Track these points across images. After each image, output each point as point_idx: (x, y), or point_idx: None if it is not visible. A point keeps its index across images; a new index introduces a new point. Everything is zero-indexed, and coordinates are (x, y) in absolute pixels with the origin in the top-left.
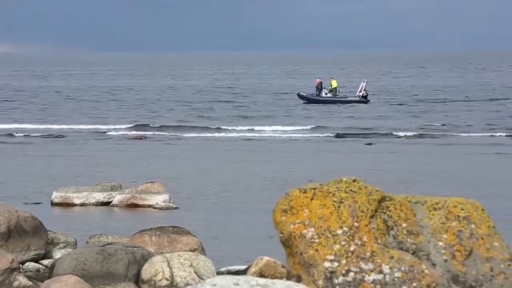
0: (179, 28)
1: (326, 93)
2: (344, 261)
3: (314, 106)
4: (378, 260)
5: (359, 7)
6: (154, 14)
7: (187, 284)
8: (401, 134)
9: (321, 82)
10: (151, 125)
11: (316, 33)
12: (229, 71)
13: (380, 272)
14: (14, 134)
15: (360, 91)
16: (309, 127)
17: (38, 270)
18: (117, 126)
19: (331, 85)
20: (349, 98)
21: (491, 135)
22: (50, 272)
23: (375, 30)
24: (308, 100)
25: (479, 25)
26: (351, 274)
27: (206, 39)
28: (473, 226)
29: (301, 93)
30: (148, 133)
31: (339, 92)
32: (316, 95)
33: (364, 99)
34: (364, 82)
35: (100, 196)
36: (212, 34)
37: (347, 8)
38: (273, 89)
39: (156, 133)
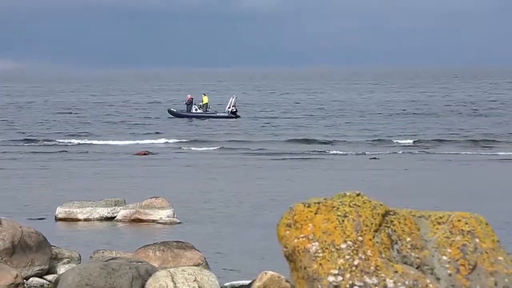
0: (179, 44)
1: (196, 109)
2: (348, 275)
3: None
4: (382, 275)
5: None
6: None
7: None
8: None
9: (192, 98)
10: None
11: (313, 50)
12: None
13: (384, 286)
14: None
15: (229, 107)
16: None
17: (42, 286)
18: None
19: (202, 101)
20: (219, 114)
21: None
22: (54, 287)
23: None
24: (178, 116)
25: (476, 44)
26: None
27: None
28: (477, 240)
29: (171, 109)
30: (151, 149)
31: (209, 108)
32: (187, 111)
33: (234, 115)
34: (233, 97)
35: (104, 211)
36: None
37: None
38: None
39: (160, 148)
